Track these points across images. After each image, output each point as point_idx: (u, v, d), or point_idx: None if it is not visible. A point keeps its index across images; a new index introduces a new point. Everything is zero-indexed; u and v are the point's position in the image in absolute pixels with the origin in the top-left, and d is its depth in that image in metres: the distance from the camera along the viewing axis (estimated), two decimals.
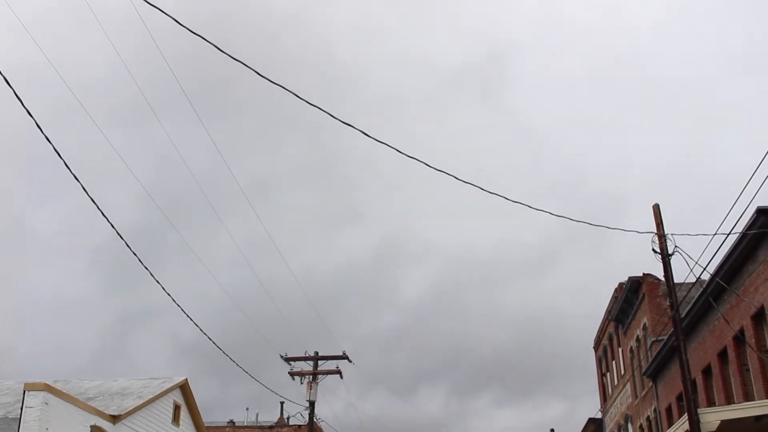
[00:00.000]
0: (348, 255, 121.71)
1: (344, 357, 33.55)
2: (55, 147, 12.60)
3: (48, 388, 25.32)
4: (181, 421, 34.84)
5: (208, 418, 43.77)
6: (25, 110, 11.81)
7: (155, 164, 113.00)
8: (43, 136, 12.28)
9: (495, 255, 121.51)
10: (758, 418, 17.22)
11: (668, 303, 19.45)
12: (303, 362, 33.52)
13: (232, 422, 55.98)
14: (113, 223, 15.17)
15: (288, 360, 33.22)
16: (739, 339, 21.09)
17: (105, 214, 14.86)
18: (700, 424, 17.48)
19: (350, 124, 13.78)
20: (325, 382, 33.49)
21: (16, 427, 24.59)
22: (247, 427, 55.03)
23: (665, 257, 18.86)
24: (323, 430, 54.84)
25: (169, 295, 17.65)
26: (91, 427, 27.43)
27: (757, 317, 19.92)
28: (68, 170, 13.23)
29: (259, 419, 56.57)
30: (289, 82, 13.27)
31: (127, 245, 16.46)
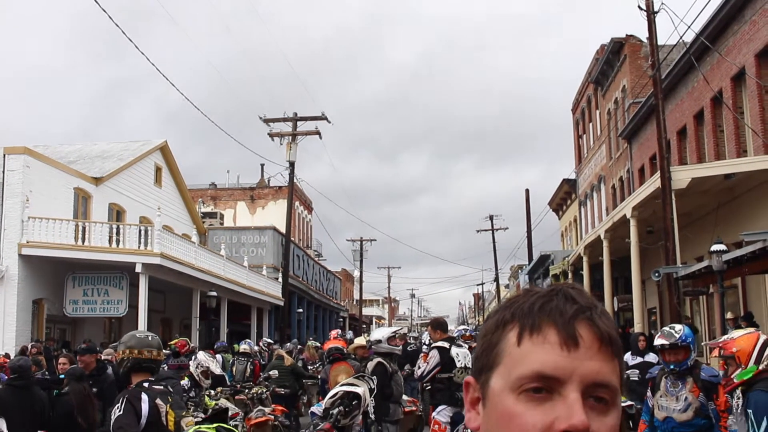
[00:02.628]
0: (335, 17, 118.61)
1: (323, 118, 33.62)
2: None
3: (28, 152, 25.37)
4: (163, 183, 35.41)
5: (191, 182, 44.57)
6: None
7: None
8: None
9: (487, 21, 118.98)
10: (727, 176, 17.70)
11: (650, 63, 19.28)
12: (283, 124, 33.62)
13: (213, 185, 57.07)
14: None
15: (267, 121, 33.27)
16: (717, 100, 21.16)
17: None
18: (672, 182, 17.93)
19: None
20: (307, 145, 33.97)
21: (0, 191, 24.91)
22: (228, 188, 56.23)
23: (650, 14, 18.44)
24: (304, 190, 56.30)
25: (143, 54, 17.23)
26: (75, 189, 27.84)
27: (737, 78, 19.88)
28: None
29: (240, 181, 57.73)
30: None
31: (96, 3, 15.80)
